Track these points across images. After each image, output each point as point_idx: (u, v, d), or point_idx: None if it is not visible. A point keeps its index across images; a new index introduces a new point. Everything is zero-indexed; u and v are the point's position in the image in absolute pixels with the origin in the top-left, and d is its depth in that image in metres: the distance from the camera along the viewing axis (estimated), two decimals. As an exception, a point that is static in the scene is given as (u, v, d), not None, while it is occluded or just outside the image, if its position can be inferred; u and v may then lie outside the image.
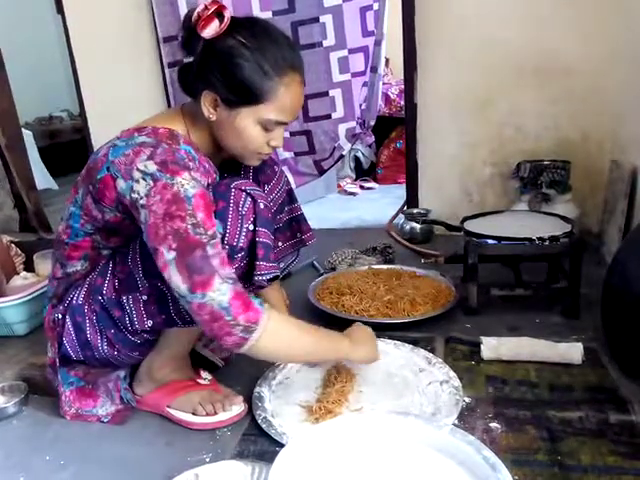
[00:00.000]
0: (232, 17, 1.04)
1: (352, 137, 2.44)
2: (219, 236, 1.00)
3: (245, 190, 1.07)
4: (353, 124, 2.42)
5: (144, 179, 0.99)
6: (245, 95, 1.06)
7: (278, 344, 1.04)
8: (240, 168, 1.30)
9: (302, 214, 1.43)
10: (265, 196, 1.13)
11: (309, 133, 2.43)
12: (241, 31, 1.05)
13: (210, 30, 1.03)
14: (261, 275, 1.08)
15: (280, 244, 1.42)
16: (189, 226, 0.96)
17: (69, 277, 1.18)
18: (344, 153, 2.50)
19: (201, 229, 0.97)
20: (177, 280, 0.96)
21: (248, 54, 1.04)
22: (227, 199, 1.06)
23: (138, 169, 1.00)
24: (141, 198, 0.99)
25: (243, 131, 1.10)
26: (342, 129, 2.42)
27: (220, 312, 0.95)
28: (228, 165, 1.27)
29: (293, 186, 2.45)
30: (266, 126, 1.10)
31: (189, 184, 0.98)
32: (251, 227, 1.07)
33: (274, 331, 1.01)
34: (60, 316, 1.16)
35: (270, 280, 1.11)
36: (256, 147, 1.13)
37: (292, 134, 2.43)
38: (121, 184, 1.02)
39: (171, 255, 0.96)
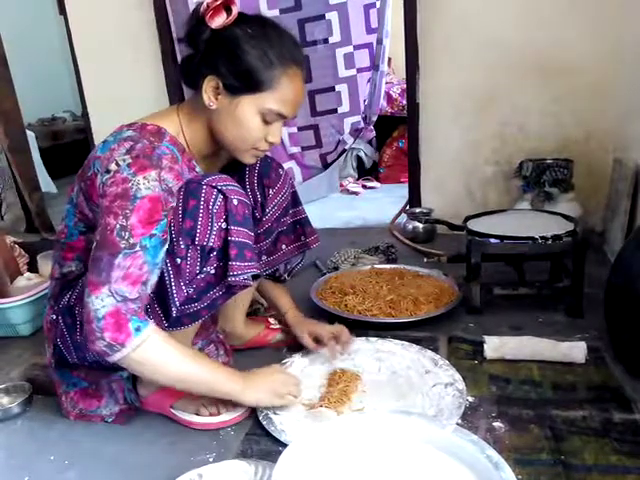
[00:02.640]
0: (239, 12, 1.06)
1: (355, 131, 2.49)
2: (140, 249, 0.97)
3: (216, 187, 1.05)
4: (358, 118, 2.47)
5: (112, 170, 1.01)
6: (249, 81, 1.06)
7: (147, 369, 1.03)
8: (244, 170, 1.29)
9: (306, 217, 1.42)
10: (242, 192, 1.11)
11: (316, 127, 2.47)
12: (248, 23, 1.07)
13: (218, 20, 1.04)
14: (234, 275, 1.06)
15: (284, 247, 1.41)
16: (117, 226, 0.97)
17: (65, 278, 1.19)
18: (346, 147, 2.54)
19: (126, 233, 0.97)
20: (88, 271, 1.00)
21: (255, 42, 1.06)
22: (197, 197, 1.04)
23: (116, 162, 1.01)
24: (103, 185, 1.01)
25: (243, 121, 1.09)
26: (347, 123, 2.47)
27: (93, 319, 0.96)
28: (232, 168, 1.27)
29: (300, 180, 2.52)
30: (266, 117, 1.10)
31: (146, 184, 0.98)
32: (224, 225, 1.05)
33: (144, 358, 1.00)
34: (55, 317, 1.17)
35: (253, 278, 1.09)
36: (254, 140, 1.12)
37: (300, 129, 2.47)
38: (99, 178, 1.03)
39: (94, 246, 1.01)
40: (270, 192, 1.31)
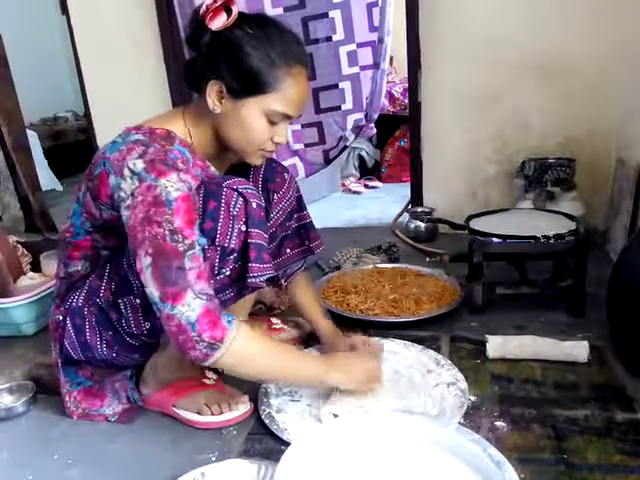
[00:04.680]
0: (240, 12, 1.05)
1: (357, 128, 2.50)
2: (198, 247, 0.98)
3: (237, 189, 1.05)
4: (360, 115, 2.48)
5: (131, 178, 1.00)
6: (252, 84, 1.06)
7: (243, 362, 1.04)
8: (249, 173, 1.29)
9: (311, 222, 1.40)
10: (258, 195, 1.11)
11: (320, 124, 2.48)
12: (249, 24, 1.06)
13: (218, 22, 1.03)
14: (254, 277, 1.06)
15: (288, 251, 1.39)
16: (167, 232, 0.96)
17: (70, 277, 1.19)
18: (348, 144, 2.56)
19: (179, 236, 0.96)
20: (150, 286, 0.97)
21: (256, 43, 1.04)
22: (218, 199, 1.04)
23: (128, 167, 1.01)
24: (127, 198, 1.00)
25: (248, 123, 1.09)
26: (350, 120, 2.48)
27: (186, 326, 0.96)
28: (236, 170, 1.27)
29: (303, 175, 2.52)
30: (271, 118, 1.09)
31: (173, 186, 0.98)
32: (243, 228, 1.06)
33: (239, 350, 1.00)
34: (61, 317, 1.17)
35: (267, 280, 1.09)
36: (260, 142, 1.12)
37: (303, 126, 2.48)
38: (112, 180, 1.03)
39: (147, 261, 0.97)
40: (275, 197, 1.30)
